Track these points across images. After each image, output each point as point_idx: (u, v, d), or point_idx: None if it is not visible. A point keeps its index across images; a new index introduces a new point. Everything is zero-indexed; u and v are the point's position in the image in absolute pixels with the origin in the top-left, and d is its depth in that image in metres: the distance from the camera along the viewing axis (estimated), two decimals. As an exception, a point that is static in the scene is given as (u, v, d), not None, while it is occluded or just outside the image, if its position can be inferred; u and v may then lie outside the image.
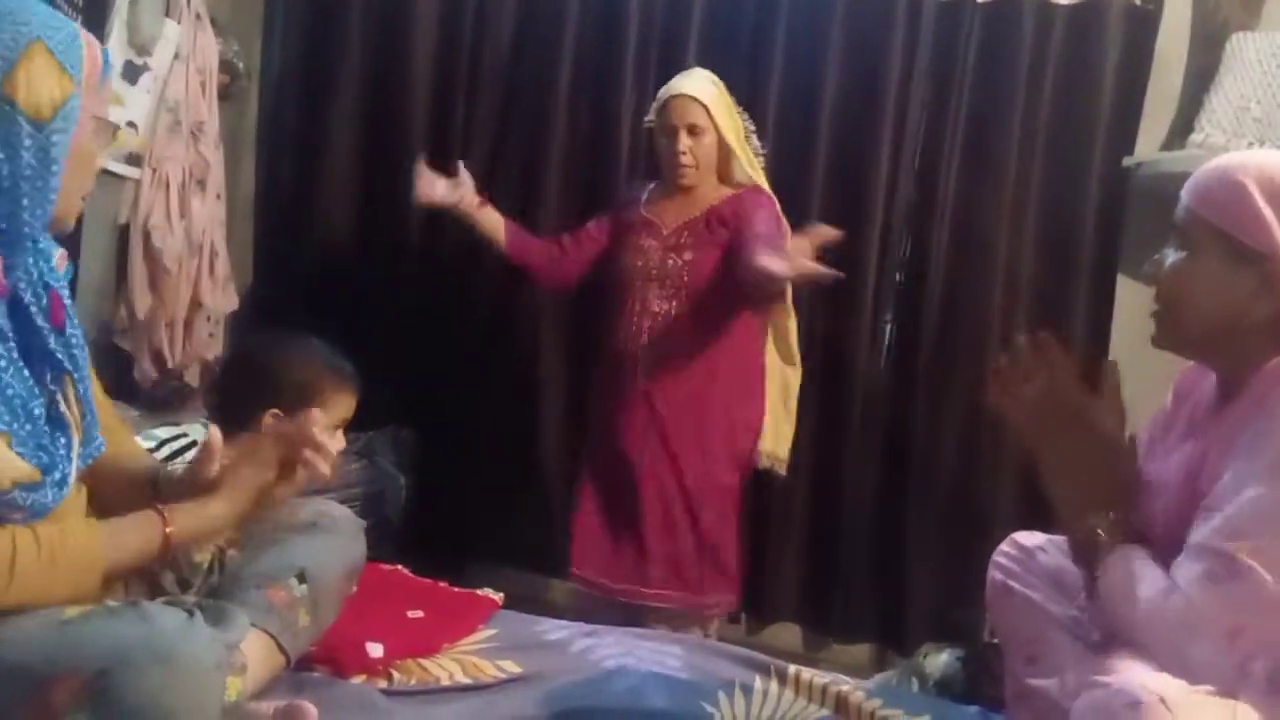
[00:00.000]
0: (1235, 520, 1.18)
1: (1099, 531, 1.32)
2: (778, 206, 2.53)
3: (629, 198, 2.69)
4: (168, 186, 2.71)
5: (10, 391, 1.17)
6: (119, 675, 1.06)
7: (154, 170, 2.69)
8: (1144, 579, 1.23)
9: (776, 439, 2.64)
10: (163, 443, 1.81)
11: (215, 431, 1.33)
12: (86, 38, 1.24)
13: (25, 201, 1.18)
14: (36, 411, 1.21)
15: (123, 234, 2.69)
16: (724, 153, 2.55)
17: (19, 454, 1.16)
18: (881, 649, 2.98)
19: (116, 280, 2.70)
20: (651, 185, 2.66)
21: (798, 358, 2.65)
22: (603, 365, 2.63)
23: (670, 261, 2.52)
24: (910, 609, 2.89)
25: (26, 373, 1.21)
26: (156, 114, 2.68)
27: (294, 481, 1.35)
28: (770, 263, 2.19)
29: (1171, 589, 1.19)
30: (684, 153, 2.49)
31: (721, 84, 2.55)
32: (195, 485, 1.33)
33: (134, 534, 1.26)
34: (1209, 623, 1.15)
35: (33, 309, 1.24)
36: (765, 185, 2.58)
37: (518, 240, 2.64)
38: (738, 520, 2.59)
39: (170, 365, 2.79)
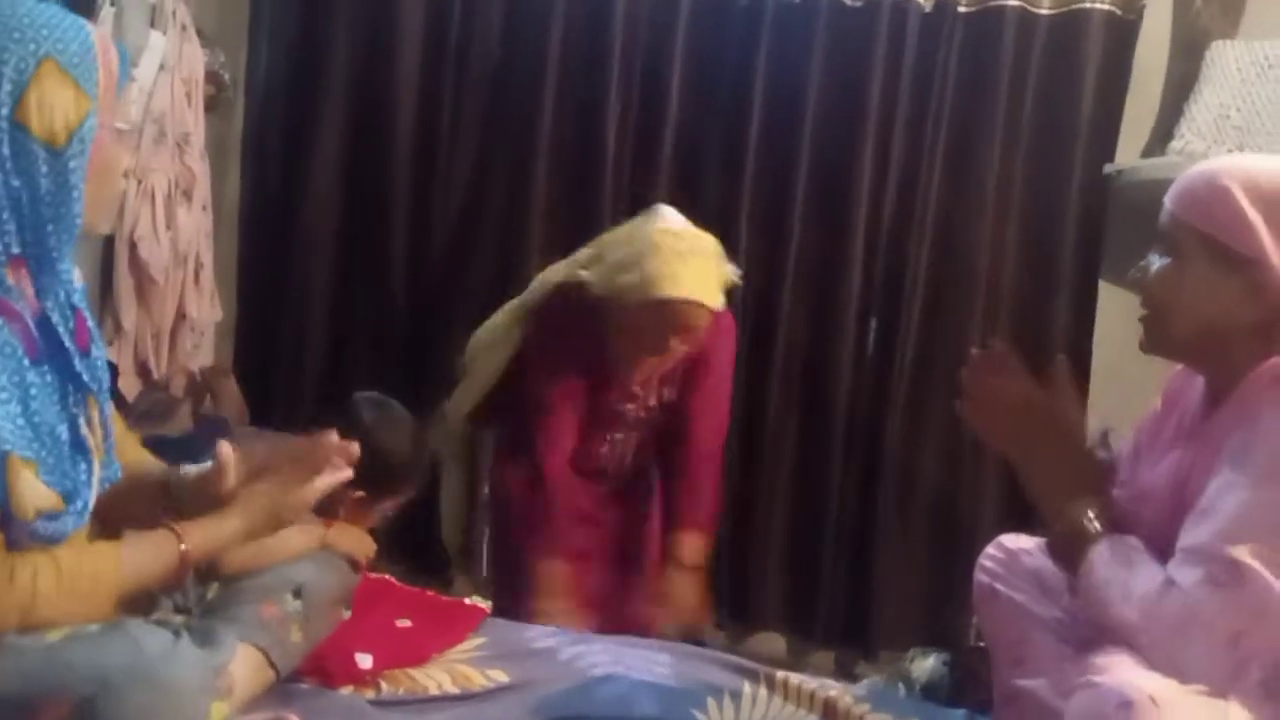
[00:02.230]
0: (1232, 525, 1.18)
1: (1084, 522, 1.33)
2: (732, 336, 2.44)
3: (593, 355, 2.30)
4: (153, 198, 2.70)
5: (39, 419, 1.15)
6: (103, 701, 1.06)
7: (139, 181, 2.67)
8: (1138, 572, 1.24)
9: None
10: None
11: (228, 448, 1.33)
12: (102, 43, 1.20)
13: (50, 227, 1.17)
14: (62, 437, 1.19)
15: (108, 245, 2.67)
16: None
17: (45, 482, 1.14)
18: (867, 655, 2.99)
19: (101, 291, 2.69)
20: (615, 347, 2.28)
21: None
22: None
23: (642, 414, 2.40)
24: (895, 614, 2.91)
25: (56, 397, 1.20)
26: (142, 125, 2.67)
27: (309, 490, 1.35)
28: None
29: (1168, 587, 1.19)
30: (672, 351, 2.21)
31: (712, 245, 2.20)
32: (208, 497, 1.32)
33: (151, 554, 1.25)
34: (1210, 626, 1.15)
35: (60, 330, 1.23)
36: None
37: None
38: None
39: (155, 376, 2.78)
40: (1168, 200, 1.38)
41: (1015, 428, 1.41)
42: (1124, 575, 1.25)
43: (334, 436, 1.36)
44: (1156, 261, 1.39)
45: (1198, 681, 1.14)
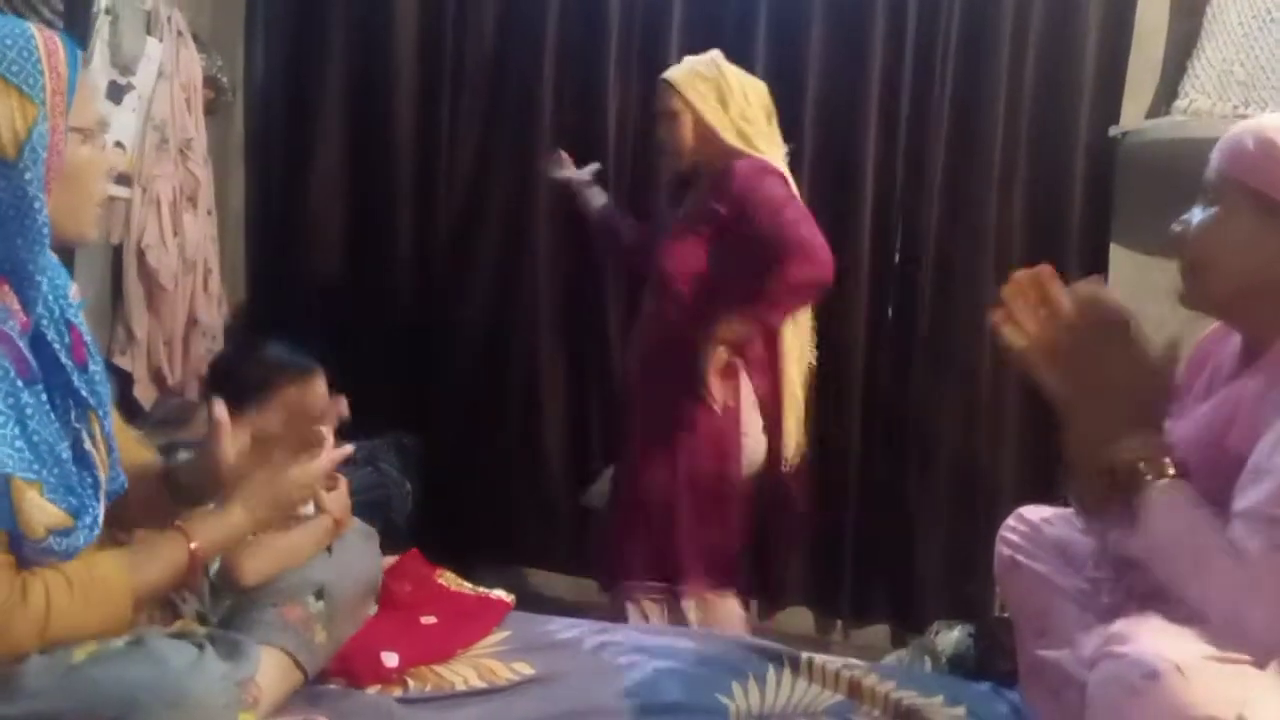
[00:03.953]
0: None
1: (1139, 463, 1.25)
2: (762, 172, 2.34)
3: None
4: (159, 205, 2.71)
5: (37, 438, 1.14)
6: None
7: (144, 189, 2.68)
8: (1202, 532, 1.20)
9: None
10: None
11: (221, 409, 1.32)
12: (46, 45, 1.16)
13: (19, 241, 1.14)
14: (64, 454, 1.18)
15: (116, 254, 2.68)
16: (705, 132, 2.38)
17: (50, 500, 1.13)
18: (893, 629, 2.99)
19: (112, 300, 2.70)
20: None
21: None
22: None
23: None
24: (919, 587, 2.90)
25: (53, 415, 1.18)
26: (143, 133, 2.68)
27: (311, 470, 1.34)
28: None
29: (1230, 549, 1.17)
30: (661, 139, 2.46)
31: (716, 64, 2.41)
32: (210, 468, 1.32)
33: (160, 557, 1.25)
34: (1273, 590, 1.14)
35: (56, 346, 1.22)
36: (757, 152, 2.37)
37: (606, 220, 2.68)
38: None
39: (170, 383, 2.79)
40: (1213, 155, 1.36)
41: (1062, 354, 1.30)
42: (1186, 530, 1.21)
43: (321, 388, 1.35)
44: (1198, 215, 1.37)
45: (1258, 643, 1.12)
